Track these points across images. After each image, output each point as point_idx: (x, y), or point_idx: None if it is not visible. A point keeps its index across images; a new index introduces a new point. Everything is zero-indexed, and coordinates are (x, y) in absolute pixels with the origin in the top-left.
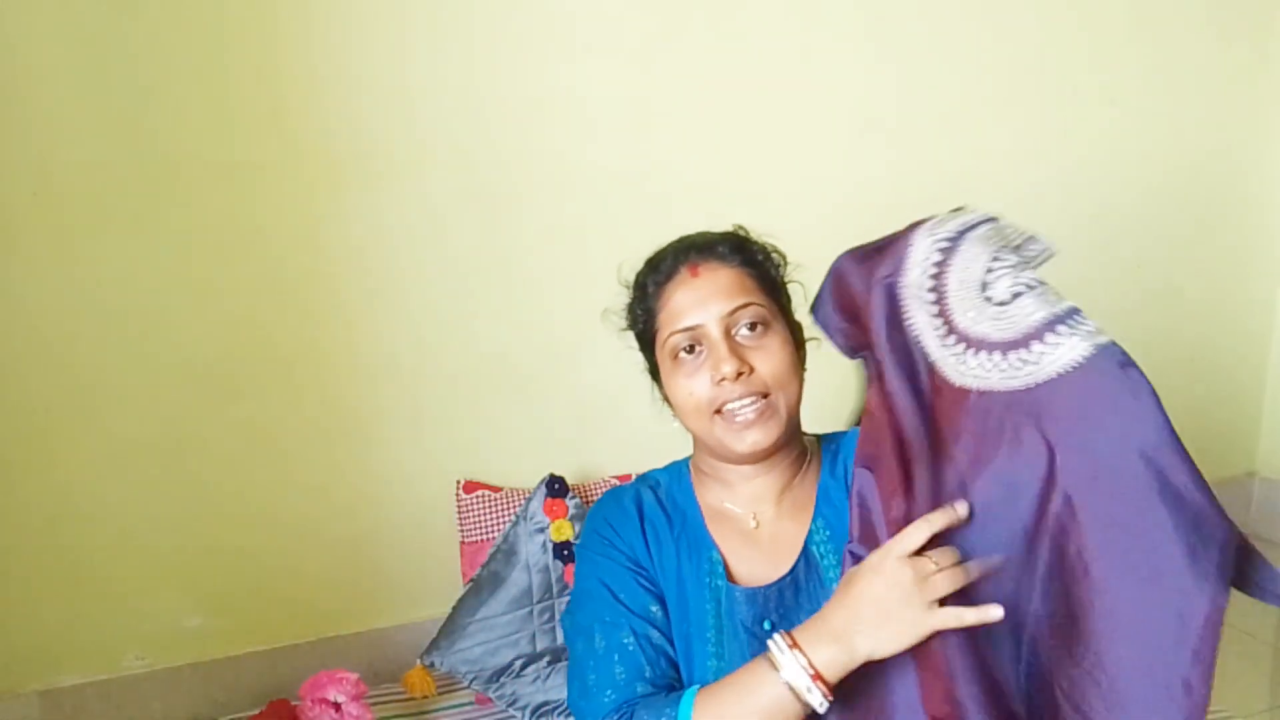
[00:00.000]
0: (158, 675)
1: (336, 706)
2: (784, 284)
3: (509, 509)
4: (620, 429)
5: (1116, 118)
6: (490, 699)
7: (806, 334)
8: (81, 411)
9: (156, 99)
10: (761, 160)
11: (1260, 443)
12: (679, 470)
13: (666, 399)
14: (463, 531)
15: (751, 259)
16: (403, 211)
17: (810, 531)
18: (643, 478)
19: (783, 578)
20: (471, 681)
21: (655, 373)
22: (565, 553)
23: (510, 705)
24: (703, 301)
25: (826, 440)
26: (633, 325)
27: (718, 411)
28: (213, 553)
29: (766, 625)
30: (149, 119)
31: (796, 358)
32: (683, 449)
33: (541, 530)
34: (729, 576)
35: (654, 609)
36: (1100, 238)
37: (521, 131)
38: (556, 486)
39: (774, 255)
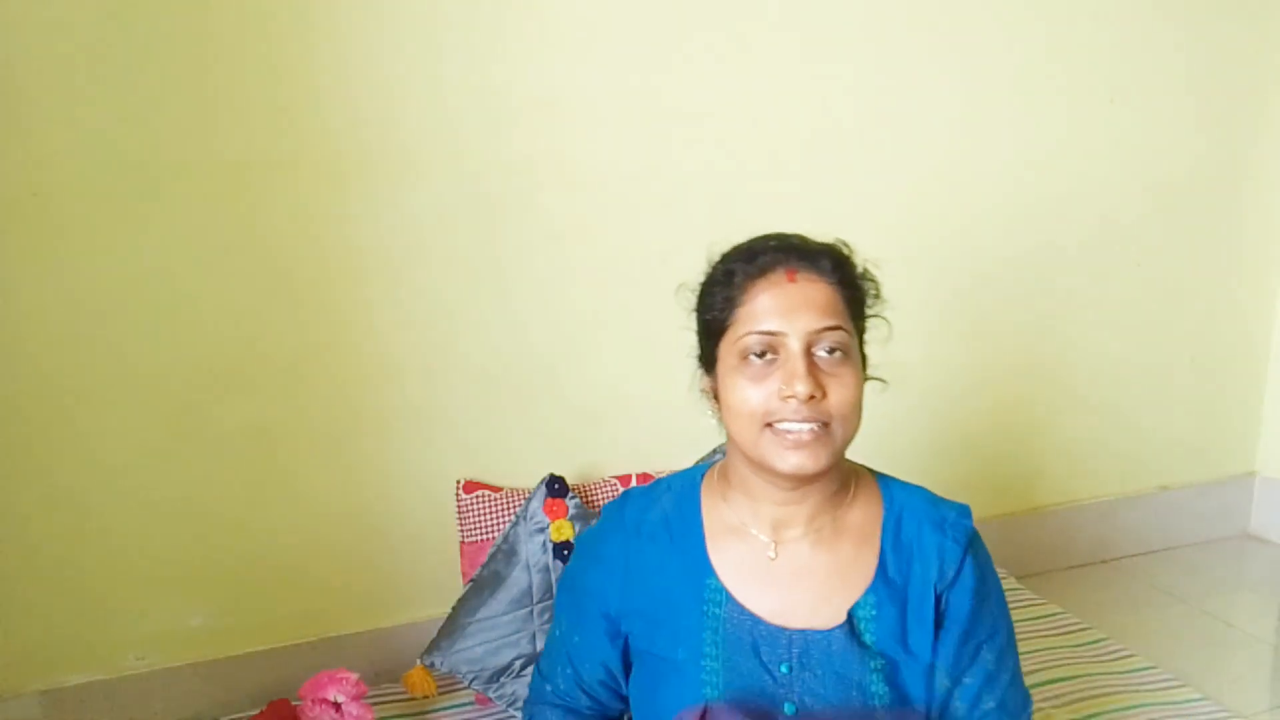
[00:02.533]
0: (158, 675)
1: (336, 706)
2: (869, 315)
3: (509, 509)
4: (621, 429)
5: (1117, 117)
6: (490, 699)
7: (872, 371)
8: (82, 411)
9: (157, 99)
10: (764, 162)
11: (1260, 443)
12: (692, 483)
13: (712, 393)
14: (463, 531)
15: (850, 280)
16: (403, 212)
17: (860, 601)
18: (655, 485)
19: (829, 630)
20: (471, 681)
21: (709, 364)
22: (565, 553)
23: (510, 705)
24: (793, 310)
25: (883, 484)
26: (705, 309)
27: (769, 425)
28: (213, 553)
29: (785, 669)
30: (149, 119)
31: (862, 393)
32: (683, 451)
33: (541, 530)
34: (737, 603)
35: (612, 662)
36: (1100, 237)
37: (525, 132)
38: (556, 486)
39: (869, 284)
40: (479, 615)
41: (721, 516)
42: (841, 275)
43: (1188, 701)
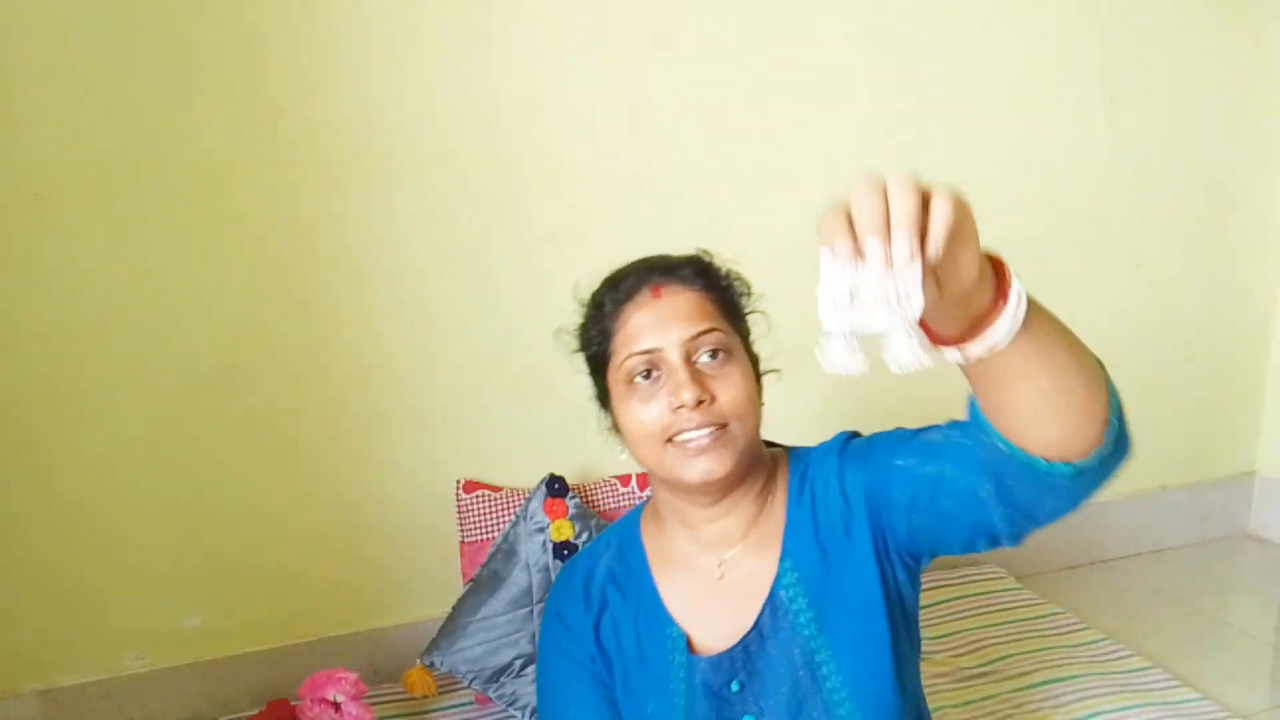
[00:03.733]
0: (158, 675)
1: (336, 706)
2: (746, 313)
3: (509, 509)
4: None
5: (1117, 117)
6: (490, 699)
7: (765, 366)
8: (81, 411)
9: (156, 100)
10: (761, 162)
11: (1260, 443)
12: (632, 526)
13: (616, 428)
14: (463, 531)
15: (716, 284)
16: (401, 212)
17: (778, 574)
18: (596, 542)
19: (747, 634)
20: (471, 681)
21: (604, 399)
22: (565, 552)
23: (510, 705)
24: (664, 324)
25: (794, 458)
26: (585, 347)
27: (670, 440)
28: (213, 553)
29: (735, 687)
30: (148, 120)
31: (756, 390)
32: None
33: (541, 530)
34: (691, 647)
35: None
36: (1101, 237)
37: (520, 131)
38: (556, 486)
39: (737, 283)
40: (479, 615)
41: (664, 552)
42: (706, 281)
43: (1187, 701)
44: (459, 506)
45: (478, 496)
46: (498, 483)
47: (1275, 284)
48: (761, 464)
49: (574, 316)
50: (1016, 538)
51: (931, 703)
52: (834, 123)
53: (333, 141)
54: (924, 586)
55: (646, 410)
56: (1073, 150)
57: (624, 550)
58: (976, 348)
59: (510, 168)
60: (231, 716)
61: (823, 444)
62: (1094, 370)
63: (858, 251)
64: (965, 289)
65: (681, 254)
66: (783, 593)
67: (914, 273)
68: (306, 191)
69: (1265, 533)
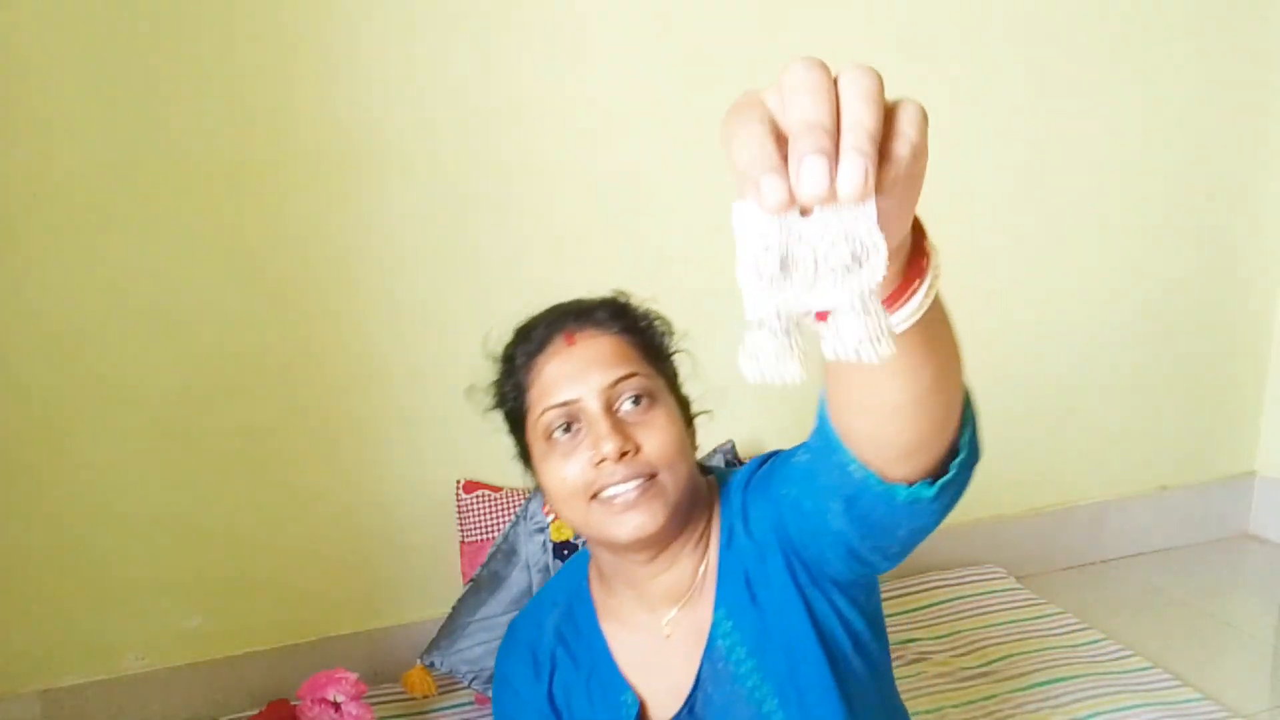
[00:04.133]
0: (158, 675)
1: (336, 706)
2: (669, 354)
3: (509, 509)
4: None
5: (1116, 117)
6: (490, 699)
7: (696, 408)
8: (81, 413)
9: (155, 100)
10: None
11: (1260, 443)
12: (580, 580)
13: (541, 486)
14: (463, 531)
15: (633, 326)
16: (399, 213)
17: (714, 623)
18: (542, 598)
19: (691, 692)
20: (471, 681)
21: (526, 458)
22: (565, 552)
23: None
24: (580, 373)
25: (723, 495)
26: (500, 404)
27: (594, 497)
28: (212, 554)
29: None
30: (147, 120)
31: (685, 434)
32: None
33: (541, 530)
34: (644, 713)
35: None
36: (1100, 237)
37: (515, 134)
38: None
39: (658, 322)
40: (479, 615)
41: (612, 610)
42: (624, 323)
43: (1187, 701)
44: (459, 507)
45: (478, 497)
46: (498, 483)
47: (1275, 284)
48: (700, 508)
49: (493, 370)
50: (889, 560)
51: (931, 703)
52: None
53: (328, 145)
54: (924, 587)
55: (568, 467)
56: (1073, 152)
57: (573, 608)
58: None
59: (505, 170)
60: (231, 717)
61: (737, 474)
62: (960, 361)
63: (791, 190)
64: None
65: (596, 296)
66: (721, 643)
67: (868, 212)
68: (301, 194)
69: (1265, 533)
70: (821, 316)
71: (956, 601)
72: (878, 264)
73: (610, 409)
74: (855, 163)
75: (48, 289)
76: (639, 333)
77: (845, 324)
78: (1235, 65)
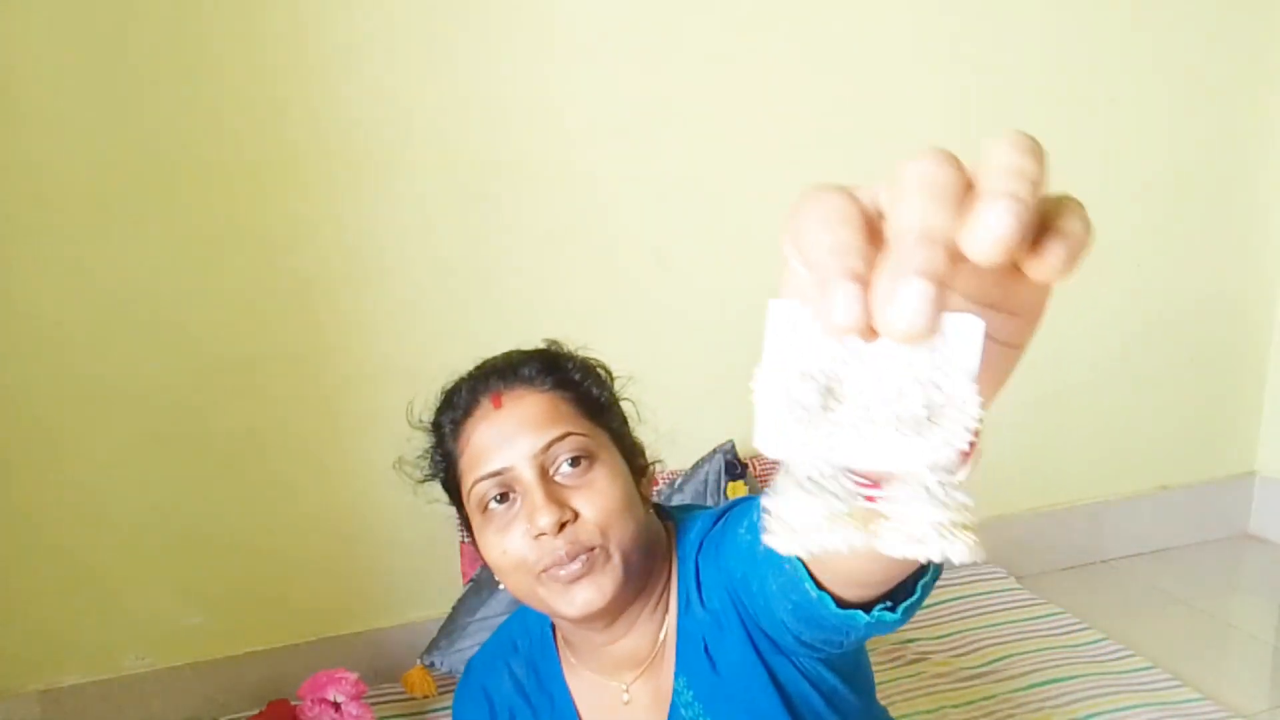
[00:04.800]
0: (158, 675)
1: (336, 706)
2: (611, 403)
3: None
4: None
5: (1116, 116)
6: None
7: (651, 456)
8: (81, 412)
9: (154, 100)
10: (755, 164)
11: (1260, 443)
12: (543, 627)
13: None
14: (463, 532)
15: (566, 379)
16: (398, 212)
17: (674, 692)
18: (499, 643)
19: None
20: None
21: (468, 525)
22: None
23: None
24: (510, 438)
25: (680, 551)
26: (434, 474)
27: (540, 572)
28: (213, 553)
29: None
30: (146, 120)
31: (633, 488)
32: (681, 450)
33: None
34: None
35: None
36: (1100, 237)
37: (514, 133)
38: None
39: (596, 371)
40: (479, 615)
41: (576, 672)
42: (555, 377)
43: (1187, 702)
44: None
45: None
46: None
47: (1275, 284)
48: (659, 562)
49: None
50: (845, 648)
51: (931, 703)
52: (836, 125)
53: (331, 143)
54: None
55: (506, 540)
56: (1073, 150)
57: (535, 661)
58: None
59: (509, 169)
60: (231, 716)
61: (695, 523)
62: None
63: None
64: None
65: (524, 350)
66: (683, 712)
67: (969, 349)
68: (303, 192)
69: (1265, 533)
70: (870, 484)
71: (956, 601)
72: (965, 423)
73: (545, 475)
74: (1003, 215)
75: (45, 291)
76: (572, 386)
77: (903, 505)
78: (1235, 66)
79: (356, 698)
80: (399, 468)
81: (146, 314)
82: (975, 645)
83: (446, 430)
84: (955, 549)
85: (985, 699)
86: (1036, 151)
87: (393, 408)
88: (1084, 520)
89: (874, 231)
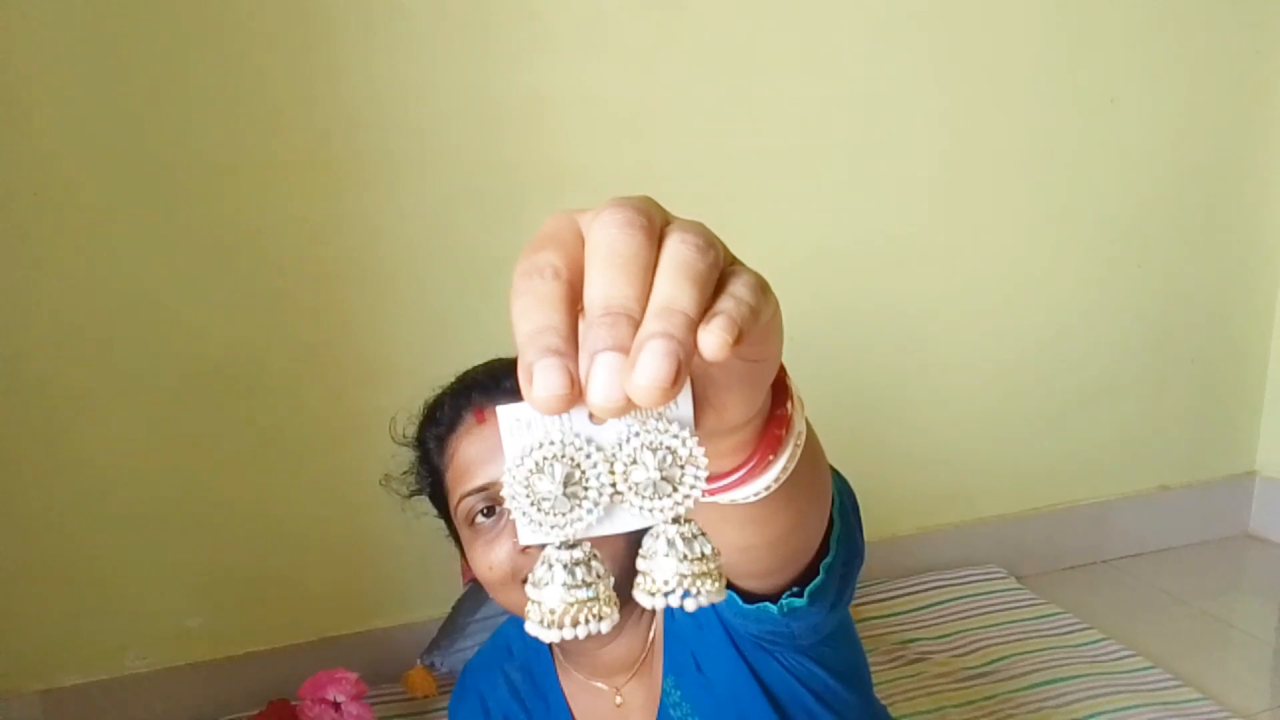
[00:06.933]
0: (159, 675)
1: (336, 706)
2: None
3: None
4: None
5: (1117, 117)
6: None
7: None
8: (82, 412)
9: (157, 100)
10: (759, 164)
11: (1260, 443)
12: (538, 644)
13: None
14: (452, 543)
15: None
16: (403, 212)
17: (663, 693)
18: (495, 642)
19: None
20: None
21: (457, 538)
22: None
23: None
24: (494, 452)
25: None
26: (420, 490)
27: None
28: (214, 553)
29: None
30: (149, 120)
31: None
32: None
33: None
34: None
35: None
36: (1100, 237)
37: (518, 134)
38: None
39: None
40: (479, 615)
41: (570, 676)
42: None
43: (1188, 701)
44: None
45: None
46: None
47: (1276, 284)
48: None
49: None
50: (816, 635)
51: (932, 703)
52: (838, 126)
53: (334, 142)
54: (924, 587)
55: (493, 554)
56: (1073, 151)
57: (531, 667)
58: (725, 497)
59: (512, 168)
60: (232, 716)
61: None
62: (829, 493)
63: (576, 387)
64: (726, 426)
65: (505, 360)
66: (672, 712)
67: (681, 416)
68: (307, 191)
69: (1265, 533)
70: None
71: (957, 601)
72: (696, 474)
73: None
74: (655, 355)
75: (50, 289)
76: None
77: (650, 560)
78: (1236, 68)
79: (357, 698)
80: (386, 484)
81: (151, 315)
82: (976, 645)
83: (431, 446)
84: (698, 598)
85: (986, 699)
86: (704, 247)
87: (395, 408)
88: (1084, 520)
89: (577, 294)
